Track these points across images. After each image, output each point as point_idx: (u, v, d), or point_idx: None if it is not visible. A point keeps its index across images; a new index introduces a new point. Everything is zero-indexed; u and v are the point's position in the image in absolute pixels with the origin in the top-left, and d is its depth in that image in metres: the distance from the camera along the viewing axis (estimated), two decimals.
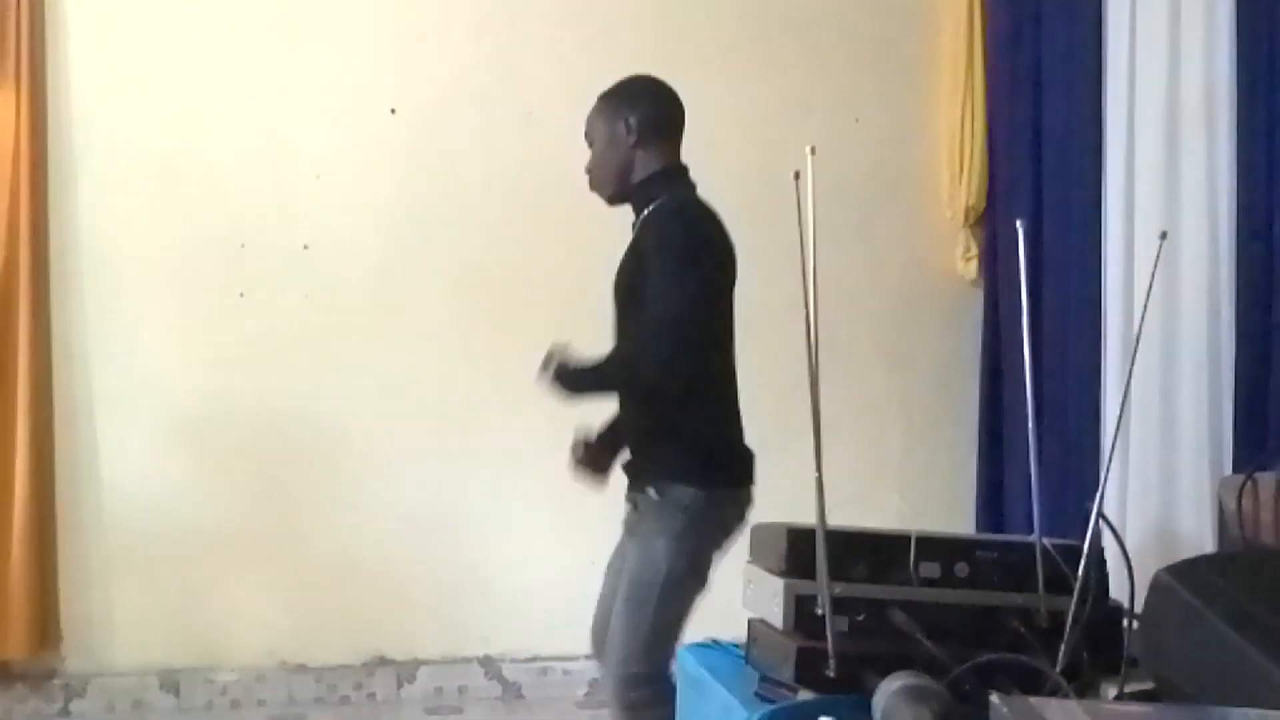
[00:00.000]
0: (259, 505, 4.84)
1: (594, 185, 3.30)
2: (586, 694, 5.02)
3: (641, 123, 3.21)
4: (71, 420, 4.73)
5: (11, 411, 4.55)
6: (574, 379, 3.08)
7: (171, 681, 4.81)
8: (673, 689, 2.96)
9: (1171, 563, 2.15)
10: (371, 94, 4.94)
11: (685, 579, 3.09)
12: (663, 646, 3.08)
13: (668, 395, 3.08)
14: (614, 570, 3.30)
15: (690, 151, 5.06)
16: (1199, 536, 3.87)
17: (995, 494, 5.13)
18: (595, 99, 3.31)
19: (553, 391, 3.10)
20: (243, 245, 4.84)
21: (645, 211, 3.19)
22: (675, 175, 3.26)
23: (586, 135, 3.31)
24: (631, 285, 3.14)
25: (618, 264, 3.24)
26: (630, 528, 3.24)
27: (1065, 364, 4.57)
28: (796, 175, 2.11)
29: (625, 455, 3.28)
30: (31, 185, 4.60)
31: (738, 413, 3.26)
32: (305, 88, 4.92)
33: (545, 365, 3.08)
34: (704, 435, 3.14)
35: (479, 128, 5.00)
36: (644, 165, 3.22)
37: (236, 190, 4.84)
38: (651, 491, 3.12)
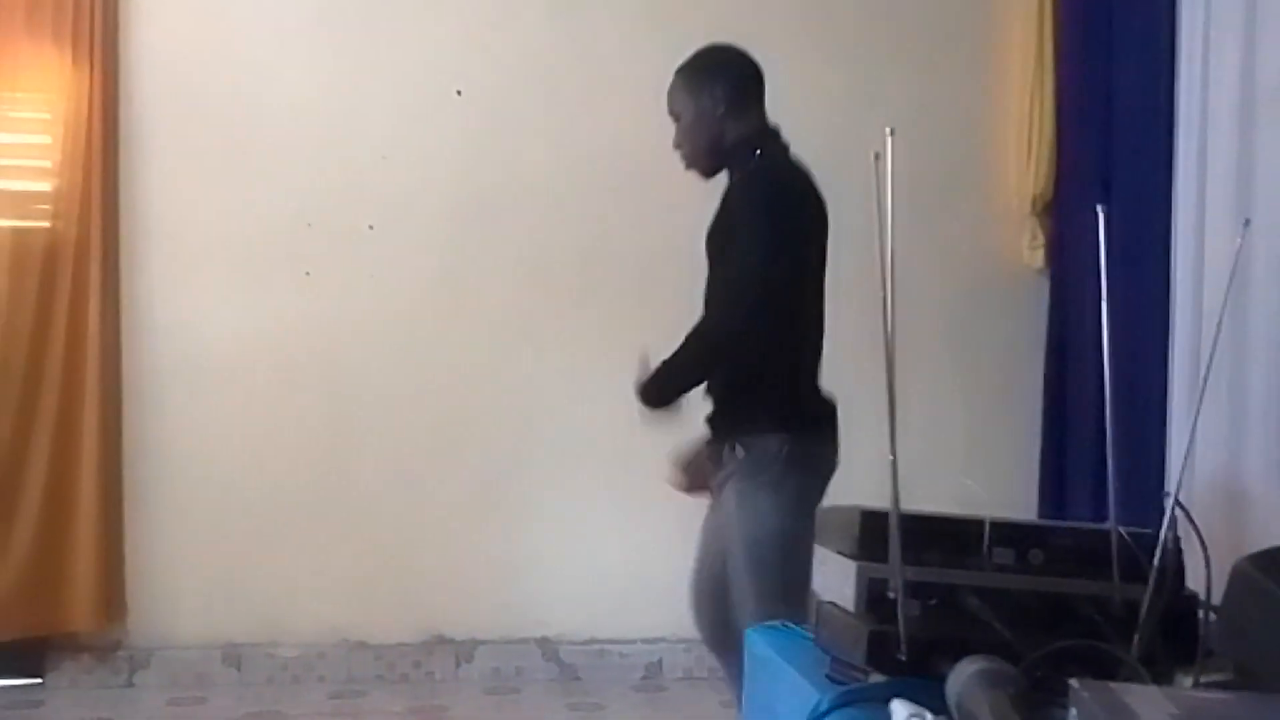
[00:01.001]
0: (322, 483, 4.88)
1: (687, 161, 3.29)
2: (643, 677, 5.04)
3: (727, 92, 3.22)
4: (140, 396, 4.79)
5: (81, 386, 4.62)
6: (656, 392, 3.09)
7: (234, 656, 4.87)
8: None
9: (1247, 553, 2.12)
10: (438, 75, 4.96)
11: (798, 527, 2.89)
12: (799, 604, 2.91)
13: (747, 353, 3.07)
14: (709, 532, 3.28)
15: None
16: (1265, 528, 3.82)
17: (1058, 480, 5.09)
18: (674, 74, 3.31)
19: (646, 414, 3.10)
20: (309, 225, 4.88)
21: (736, 175, 3.20)
22: (766, 137, 3.26)
23: (671, 111, 3.29)
24: (721, 244, 3.17)
25: (709, 224, 3.25)
26: (721, 486, 3.20)
27: (1132, 352, 4.52)
28: (876, 156, 2.10)
29: (709, 409, 3.25)
30: (103, 163, 4.66)
31: (818, 365, 3.27)
32: (372, 69, 4.94)
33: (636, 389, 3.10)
34: (786, 385, 3.13)
35: (545, 110, 5.01)
36: (734, 133, 3.22)
37: (304, 170, 4.88)
38: (739, 449, 3.11)
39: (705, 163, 3.26)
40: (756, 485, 3.06)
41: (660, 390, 3.09)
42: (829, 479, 3.14)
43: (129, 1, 4.75)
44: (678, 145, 3.28)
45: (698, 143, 3.24)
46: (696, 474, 3.27)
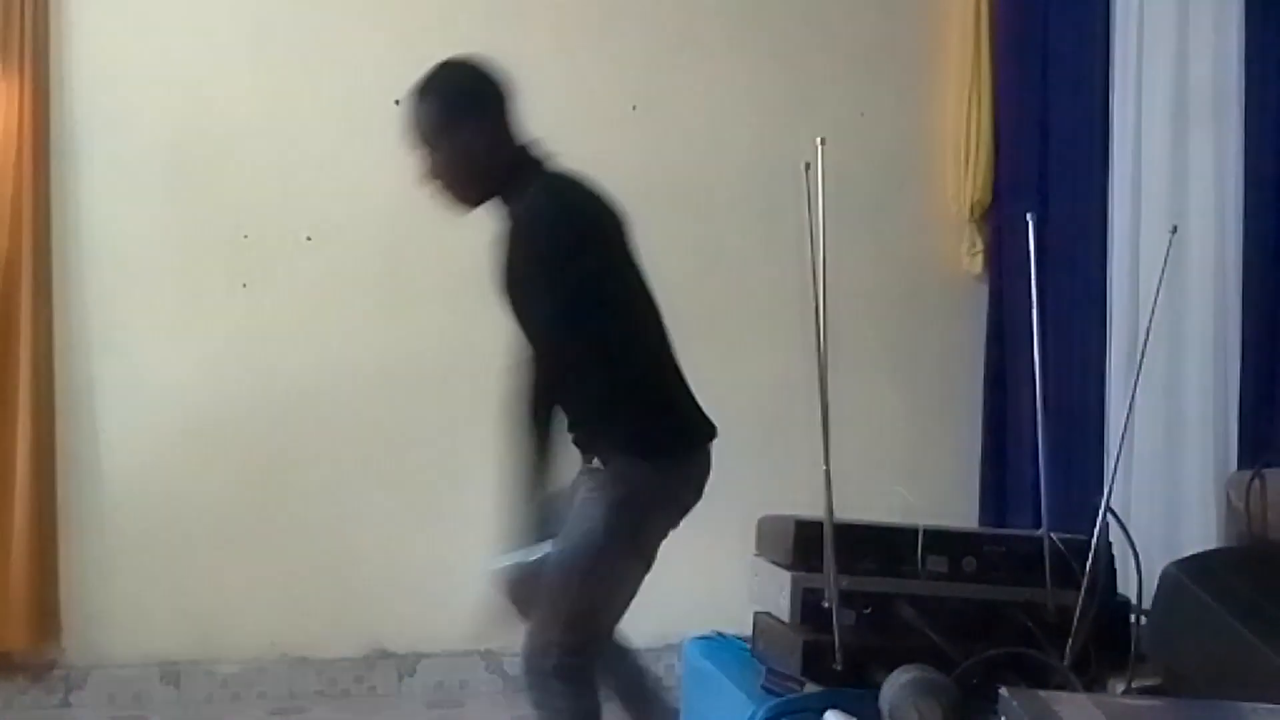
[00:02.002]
0: (260, 497, 4.83)
1: (447, 195, 3.00)
2: None
3: (490, 119, 2.93)
4: (73, 412, 4.72)
5: (13, 402, 4.53)
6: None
7: (172, 673, 4.80)
8: (587, 682, 2.90)
9: (1178, 558, 2.14)
10: (376, 84, 4.91)
11: (621, 552, 2.89)
12: (586, 623, 2.90)
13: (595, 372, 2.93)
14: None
15: (695, 143, 5.12)
16: (1204, 532, 3.85)
17: (999, 488, 5.12)
18: (414, 97, 3.00)
19: None
20: (246, 236, 4.83)
21: (511, 205, 2.94)
22: (530, 156, 3.00)
23: (421, 143, 2.97)
24: (520, 291, 2.97)
25: (496, 261, 3.01)
26: (572, 495, 3.04)
27: (1070, 359, 4.56)
28: (807, 166, 2.10)
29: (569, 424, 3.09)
30: (34, 175, 4.58)
31: (679, 379, 3.07)
32: (309, 79, 4.91)
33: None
34: (645, 406, 2.95)
35: None
36: (497, 157, 2.95)
37: (240, 181, 4.83)
38: (596, 461, 2.95)
39: (470, 194, 2.98)
40: (598, 499, 2.90)
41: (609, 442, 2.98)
42: (688, 504, 3.02)
43: (60, 14, 4.68)
44: (433, 178, 2.97)
45: (461, 177, 2.95)
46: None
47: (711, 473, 3.07)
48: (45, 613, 4.63)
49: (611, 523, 2.85)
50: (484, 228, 4.92)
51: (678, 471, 2.98)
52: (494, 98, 2.95)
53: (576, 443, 3.06)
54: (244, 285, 4.83)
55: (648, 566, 2.96)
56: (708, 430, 3.06)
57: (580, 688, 2.88)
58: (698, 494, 3.01)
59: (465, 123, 2.91)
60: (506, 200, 2.94)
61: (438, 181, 2.97)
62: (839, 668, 2.08)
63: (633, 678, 3.22)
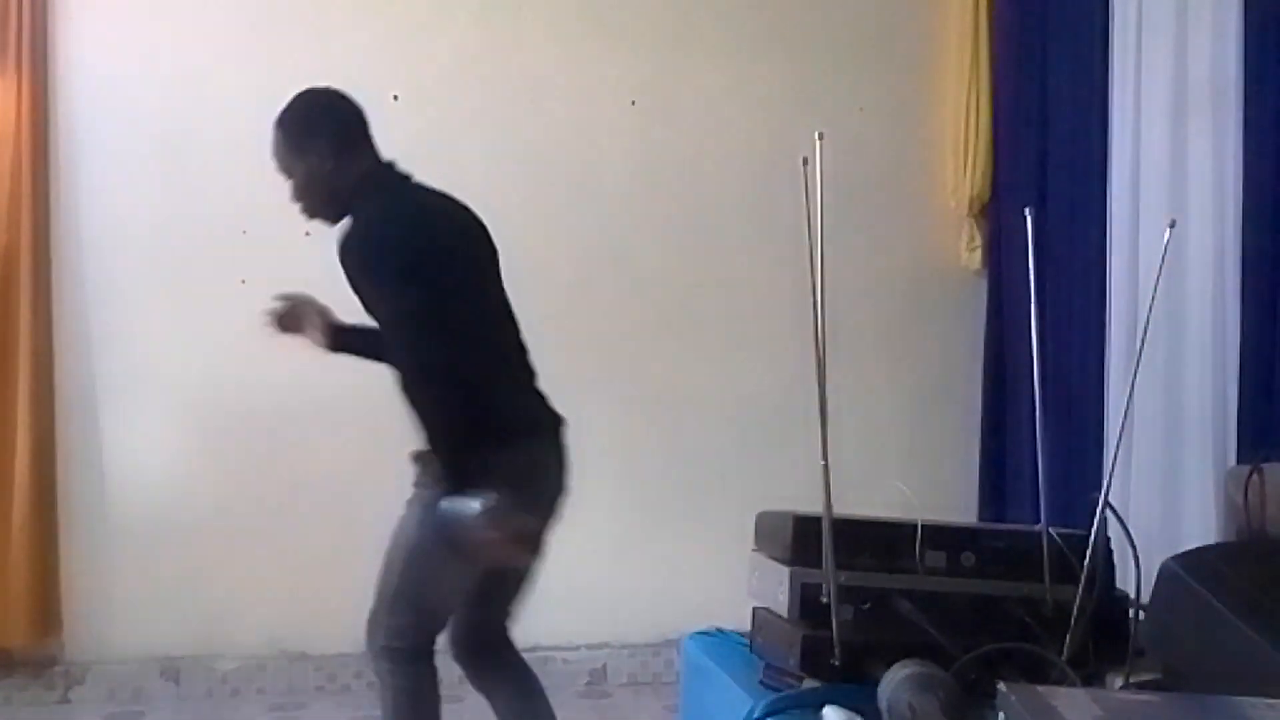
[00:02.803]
0: (260, 493, 4.83)
1: (309, 214, 3.21)
2: (588, 683, 5.03)
3: (332, 143, 3.12)
4: (73, 407, 4.73)
5: (13, 398, 4.54)
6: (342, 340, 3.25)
7: (172, 669, 4.81)
8: (416, 666, 3.12)
9: (1177, 552, 2.14)
10: (374, 80, 4.89)
11: (438, 554, 3.02)
12: (408, 611, 3.12)
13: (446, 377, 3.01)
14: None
15: (693, 138, 5.12)
16: (1203, 527, 3.86)
17: (998, 483, 5.13)
18: (274, 129, 3.20)
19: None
20: (244, 232, 4.83)
21: (352, 219, 3.09)
22: (381, 175, 3.18)
23: (280, 169, 3.18)
24: (360, 281, 3.08)
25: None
26: (416, 493, 3.21)
27: (1069, 353, 4.56)
28: (805, 161, 2.09)
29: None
30: (33, 172, 4.59)
31: (510, 376, 3.19)
32: (307, 75, 4.86)
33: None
34: (467, 404, 2.99)
35: (482, 113, 4.99)
36: (350, 178, 3.12)
37: (239, 177, 4.81)
38: (430, 480, 3.06)
39: (328, 213, 3.16)
40: (425, 496, 3.06)
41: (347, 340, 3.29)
42: (546, 504, 3.18)
43: (58, 9, 4.68)
44: (296, 200, 3.19)
45: (316, 198, 3.15)
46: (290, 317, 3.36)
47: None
48: (45, 609, 4.64)
49: (427, 524, 3.02)
50: (482, 219, 4.94)
51: (519, 463, 3.06)
52: (337, 122, 3.17)
53: (421, 457, 3.15)
54: (243, 281, 4.83)
55: (486, 567, 3.08)
56: (550, 421, 3.21)
57: (406, 667, 3.13)
58: (558, 486, 3.23)
59: (311, 147, 3.11)
60: (353, 215, 3.09)
61: (300, 203, 3.19)
62: (837, 663, 2.08)
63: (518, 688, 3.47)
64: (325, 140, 3.12)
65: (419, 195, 3.17)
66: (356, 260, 3.01)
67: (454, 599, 3.20)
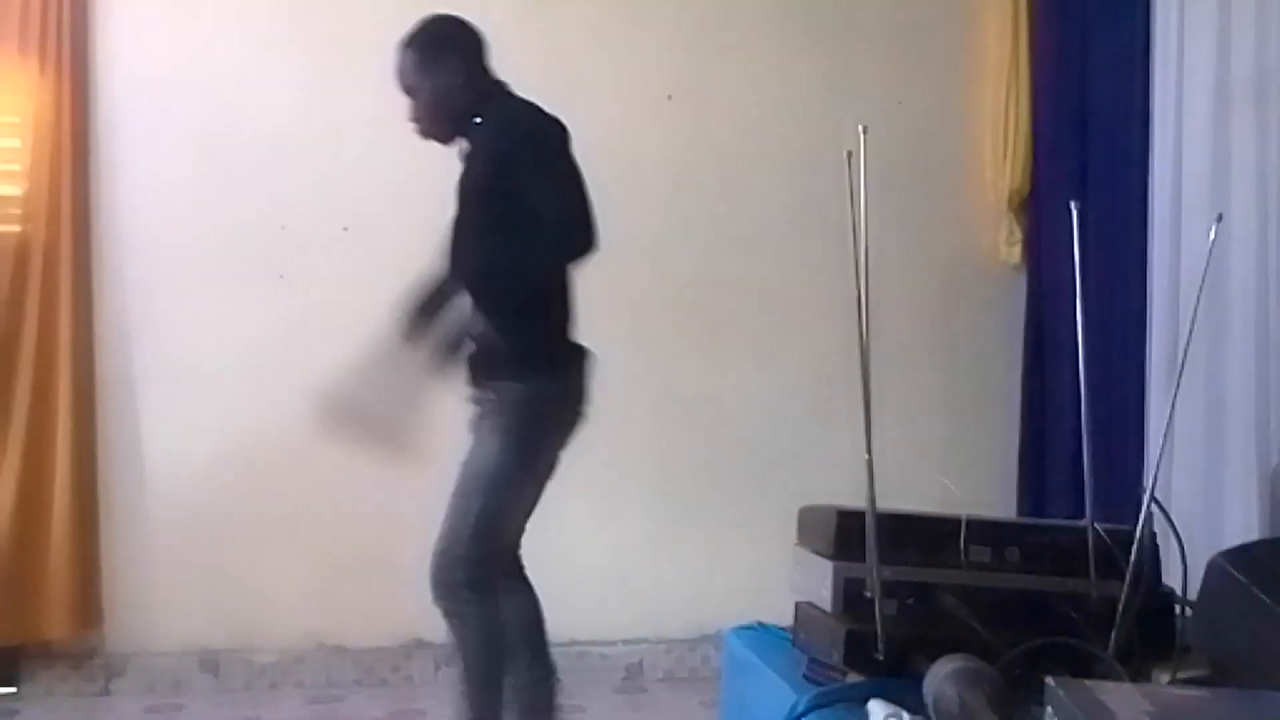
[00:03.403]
0: (298, 487, 4.85)
1: (425, 133, 3.41)
2: (624, 678, 5.03)
3: (462, 63, 3.36)
4: (113, 401, 4.75)
5: (54, 393, 4.57)
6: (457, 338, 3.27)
7: (211, 662, 4.83)
8: (492, 593, 3.24)
9: (1222, 549, 2.12)
10: None
11: (515, 473, 3.24)
12: (488, 537, 3.25)
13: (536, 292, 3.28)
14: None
15: (731, 133, 5.11)
16: (1246, 524, 3.83)
17: (1037, 478, 5.10)
18: (402, 50, 3.41)
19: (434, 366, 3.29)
20: (283, 227, 4.85)
21: (479, 122, 3.31)
22: (499, 94, 3.40)
23: (403, 87, 3.39)
24: (486, 188, 3.26)
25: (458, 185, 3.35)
26: (473, 426, 3.36)
27: (1110, 349, 4.53)
28: (849, 155, 2.09)
29: (467, 353, 3.37)
30: (74, 167, 4.62)
31: (568, 310, 3.38)
32: (345, 71, 4.91)
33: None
34: (535, 333, 3.27)
35: None
36: (471, 98, 3.34)
37: (277, 172, 4.85)
38: (490, 391, 3.26)
39: (445, 131, 3.38)
40: (493, 426, 3.24)
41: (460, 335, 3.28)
42: (568, 432, 3.33)
43: (99, 6, 4.71)
44: (415, 119, 3.39)
45: (438, 115, 3.35)
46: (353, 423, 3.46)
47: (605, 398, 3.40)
48: (86, 601, 4.66)
49: (504, 446, 3.22)
50: None
51: (557, 392, 3.30)
52: (465, 42, 3.42)
53: (474, 370, 3.35)
54: (281, 276, 4.85)
55: (544, 480, 3.34)
56: (581, 353, 3.38)
57: (488, 595, 3.25)
58: (578, 416, 3.34)
59: (443, 65, 3.35)
60: (475, 129, 3.33)
61: (419, 123, 3.40)
62: (881, 657, 2.07)
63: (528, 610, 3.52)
64: (457, 59, 3.35)
65: (534, 103, 3.35)
66: (491, 154, 3.23)
67: (524, 517, 3.37)
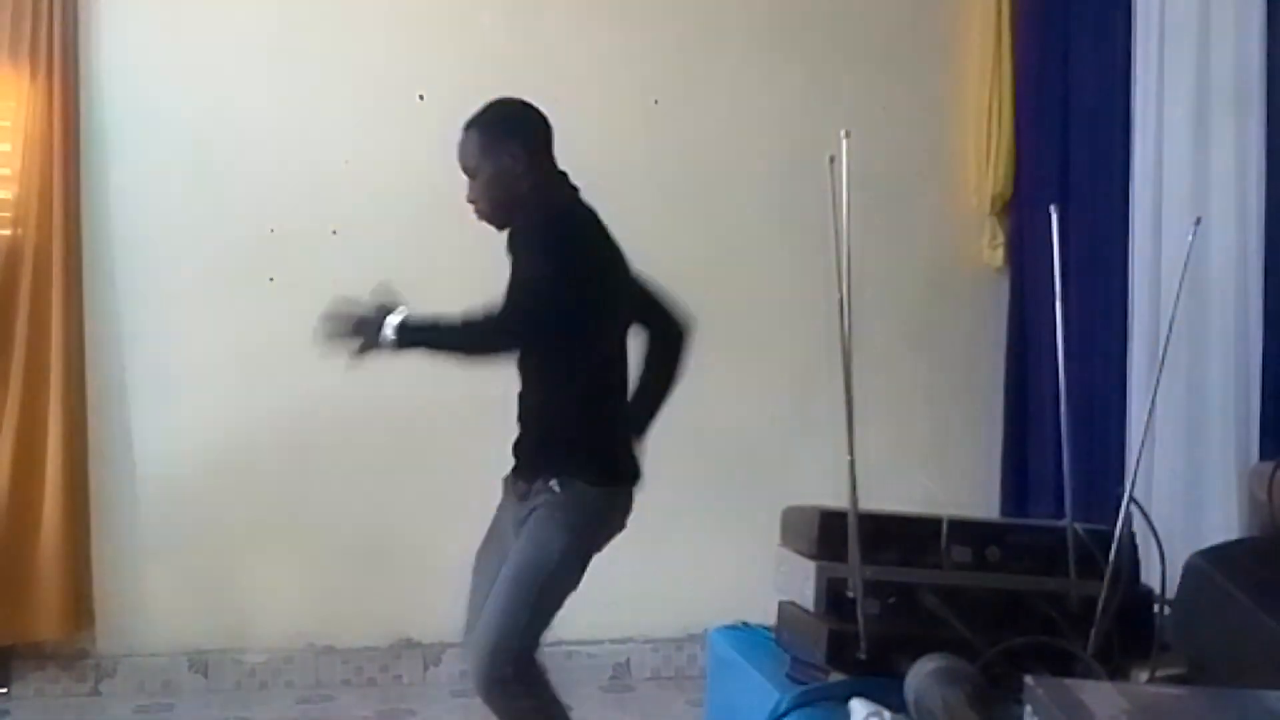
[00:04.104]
0: (287, 488, 4.87)
1: (482, 215, 3.31)
2: (611, 678, 5.05)
3: (524, 148, 3.25)
4: (103, 404, 4.77)
5: (44, 396, 4.58)
6: (412, 333, 3.10)
7: (201, 662, 4.85)
8: (542, 678, 3.16)
9: (1201, 548, 2.16)
10: (400, 80, 4.95)
11: (571, 570, 3.18)
12: (536, 632, 3.16)
13: (507, 354, 3.22)
14: (486, 558, 3.39)
15: (716, 137, 5.13)
16: (1225, 524, 3.86)
17: (1020, 479, 5.13)
18: (464, 130, 3.32)
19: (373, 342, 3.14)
20: (272, 230, 4.86)
21: (525, 218, 3.20)
22: (556, 185, 3.30)
23: (464, 168, 3.30)
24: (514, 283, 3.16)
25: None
26: (517, 515, 3.26)
27: (1091, 351, 4.56)
28: (831, 159, 2.12)
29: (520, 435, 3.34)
30: (64, 172, 4.62)
31: (626, 416, 3.33)
32: (334, 74, 4.93)
33: (362, 319, 3.14)
34: (604, 435, 3.22)
35: None
36: (528, 185, 3.24)
37: (266, 176, 4.86)
38: (554, 483, 3.16)
39: (501, 216, 3.26)
40: (556, 523, 3.14)
41: (418, 335, 3.11)
42: (618, 530, 3.28)
43: (88, 13, 4.71)
44: (472, 200, 3.30)
45: (496, 198, 3.26)
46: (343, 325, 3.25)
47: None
48: (77, 603, 4.68)
49: (567, 545, 3.14)
50: None
51: (617, 501, 3.26)
52: (530, 128, 3.32)
53: (530, 458, 3.29)
54: (270, 279, 4.87)
55: (578, 584, 3.24)
56: (637, 470, 3.33)
57: (537, 682, 3.17)
58: (622, 526, 3.29)
59: (504, 149, 3.23)
60: (531, 211, 3.22)
61: (475, 204, 3.29)
62: (864, 656, 2.10)
63: None
64: (519, 144, 3.25)
65: (591, 211, 3.30)
66: (536, 240, 3.11)
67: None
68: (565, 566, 3.14)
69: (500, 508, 3.41)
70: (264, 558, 4.87)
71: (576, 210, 3.27)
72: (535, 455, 3.27)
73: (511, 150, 3.23)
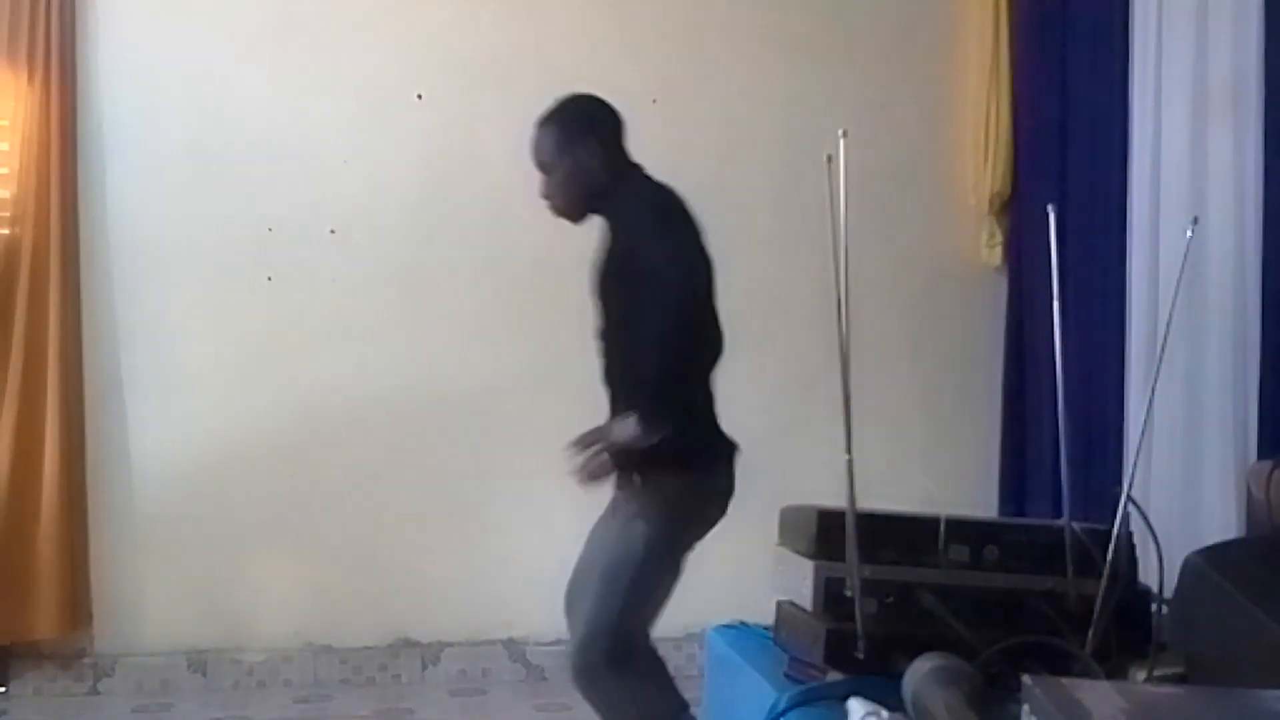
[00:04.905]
0: (286, 487, 4.87)
1: (557, 210, 3.33)
2: None
3: (599, 143, 3.28)
4: (101, 404, 4.77)
5: (42, 395, 4.59)
6: (650, 414, 3.03)
7: (199, 662, 4.85)
8: (646, 669, 3.18)
9: (1200, 547, 2.15)
10: (398, 80, 4.95)
11: (660, 564, 3.17)
12: (630, 625, 3.17)
13: (685, 361, 3.13)
14: (594, 542, 3.36)
15: (714, 136, 5.13)
16: (1223, 523, 3.86)
17: (1018, 478, 5.14)
18: (538, 127, 3.33)
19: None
20: (270, 230, 4.86)
21: (615, 210, 3.22)
22: (632, 175, 3.32)
23: (538, 164, 3.31)
24: (615, 281, 3.20)
25: (595, 264, 3.27)
26: (615, 507, 3.28)
27: (1089, 350, 4.57)
28: (829, 159, 2.12)
29: None
30: (61, 171, 4.63)
31: (713, 402, 3.30)
32: (333, 74, 4.94)
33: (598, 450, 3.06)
34: (687, 424, 3.13)
35: (505, 113, 4.98)
36: (605, 179, 3.26)
37: (264, 175, 4.87)
38: (637, 477, 3.15)
39: (577, 211, 3.31)
40: (640, 514, 3.14)
41: (645, 406, 3.04)
42: (715, 519, 3.24)
43: (86, 13, 4.72)
44: (547, 196, 3.32)
45: (572, 194, 3.28)
46: (596, 461, 3.15)
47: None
48: (74, 602, 4.68)
49: (651, 537, 3.12)
50: (503, 221, 4.97)
51: (705, 485, 3.22)
52: (604, 123, 3.35)
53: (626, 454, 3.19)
54: (269, 278, 4.87)
55: (678, 574, 3.24)
56: (730, 446, 3.29)
57: (629, 672, 3.16)
58: (722, 510, 3.25)
59: (579, 145, 3.27)
60: (611, 209, 3.24)
61: (551, 200, 3.31)
62: (861, 656, 2.10)
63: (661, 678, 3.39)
64: (595, 139, 3.28)
65: (670, 192, 3.26)
66: (646, 224, 3.13)
67: (661, 602, 3.28)
68: (653, 558, 3.14)
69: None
70: (262, 557, 4.87)
71: (665, 190, 3.26)
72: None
73: (589, 145, 3.26)
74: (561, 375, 4.86)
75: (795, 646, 2.28)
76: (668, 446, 3.05)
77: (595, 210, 3.28)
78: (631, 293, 3.13)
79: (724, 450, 3.27)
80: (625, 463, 3.17)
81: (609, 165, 3.27)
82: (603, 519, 3.34)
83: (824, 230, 2.14)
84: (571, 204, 3.30)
